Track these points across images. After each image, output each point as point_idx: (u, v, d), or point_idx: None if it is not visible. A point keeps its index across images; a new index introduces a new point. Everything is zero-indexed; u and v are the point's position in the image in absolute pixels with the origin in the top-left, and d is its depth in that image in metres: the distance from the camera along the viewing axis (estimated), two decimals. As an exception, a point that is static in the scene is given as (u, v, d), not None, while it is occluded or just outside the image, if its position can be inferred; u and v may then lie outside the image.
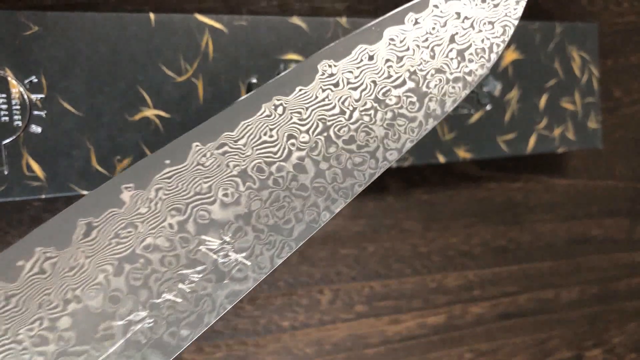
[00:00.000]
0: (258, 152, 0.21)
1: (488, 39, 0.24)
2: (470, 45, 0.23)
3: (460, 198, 0.44)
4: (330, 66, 0.22)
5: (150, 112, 0.30)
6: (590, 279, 0.50)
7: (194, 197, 0.20)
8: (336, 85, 0.22)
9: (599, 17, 0.47)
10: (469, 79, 0.23)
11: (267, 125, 0.21)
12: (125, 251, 0.19)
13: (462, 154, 0.37)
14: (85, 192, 0.29)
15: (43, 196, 0.28)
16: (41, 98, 0.28)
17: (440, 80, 0.23)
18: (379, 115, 0.22)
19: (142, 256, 0.19)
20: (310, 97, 0.22)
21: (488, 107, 0.38)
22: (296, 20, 0.33)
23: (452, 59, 0.23)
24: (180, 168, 0.20)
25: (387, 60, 0.23)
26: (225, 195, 0.20)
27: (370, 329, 0.42)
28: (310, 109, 0.22)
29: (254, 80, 0.32)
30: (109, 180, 0.20)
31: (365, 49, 0.22)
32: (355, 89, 0.22)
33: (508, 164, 0.46)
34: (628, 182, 0.51)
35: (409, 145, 0.22)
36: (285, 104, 0.21)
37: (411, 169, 0.42)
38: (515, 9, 0.24)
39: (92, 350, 0.19)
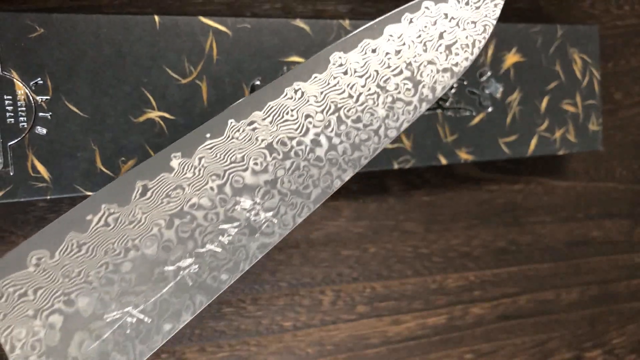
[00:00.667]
0: (282, 128, 0.25)
1: (471, 36, 0.28)
2: (456, 41, 0.27)
3: (461, 200, 0.44)
4: (340, 57, 0.26)
5: (154, 114, 0.30)
6: (590, 281, 0.50)
7: (230, 165, 0.24)
8: (345, 73, 0.26)
9: (600, 20, 0.48)
10: (455, 69, 0.27)
11: (288, 106, 0.25)
12: (175, 208, 0.24)
13: (464, 155, 0.38)
14: (89, 193, 0.29)
15: (48, 197, 0.28)
16: (46, 100, 0.28)
17: (431, 70, 0.27)
18: (381, 99, 0.26)
19: (189, 213, 0.24)
20: (324, 83, 0.26)
21: (489, 109, 0.38)
22: (299, 22, 0.33)
23: (441, 52, 0.27)
24: (218, 141, 0.24)
25: (387, 53, 0.26)
26: (256, 164, 0.25)
27: (372, 329, 0.43)
28: (324, 93, 0.26)
29: (258, 82, 0.32)
30: (152, 156, 0.24)
31: (369, 43, 0.26)
32: (361, 76, 0.26)
33: (509, 166, 0.46)
34: (628, 184, 0.51)
35: (405, 125, 0.27)
36: (304, 89, 0.26)
37: (412, 170, 0.42)
38: (493, 11, 0.28)
39: (148, 291, 0.23)
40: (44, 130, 0.28)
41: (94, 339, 0.22)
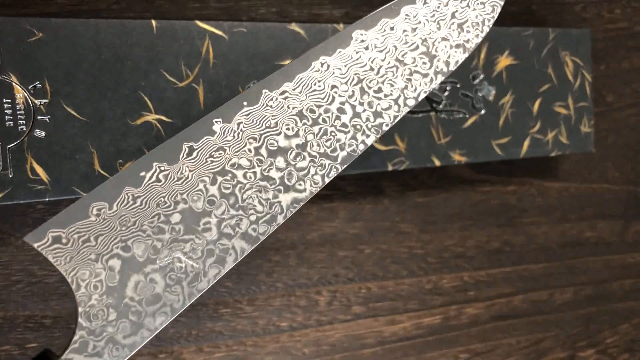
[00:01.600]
0: (310, 97, 0.28)
1: (481, 15, 0.30)
2: (467, 20, 0.30)
3: (456, 201, 0.45)
4: (361, 34, 0.28)
5: (152, 117, 0.30)
6: (584, 281, 0.51)
7: (265, 129, 0.27)
8: (367, 48, 0.28)
9: (591, 23, 0.48)
10: (467, 45, 0.30)
11: (316, 78, 0.28)
12: (218, 167, 0.26)
13: (457, 157, 0.38)
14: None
15: (47, 199, 0.29)
16: (45, 103, 0.28)
17: (445, 46, 0.29)
18: (400, 71, 0.29)
19: (230, 172, 0.27)
20: (348, 58, 0.28)
21: (482, 112, 0.39)
22: (295, 27, 0.33)
23: (453, 30, 0.29)
24: (254, 108, 0.27)
25: (404, 31, 0.29)
26: (288, 129, 0.27)
27: (367, 329, 0.43)
28: (347, 66, 0.28)
29: (254, 86, 0.32)
30: (201, 118, 0.27)
31: (388, 21, 0.29)
32: (381, 51, 0.29)
33: (502, 168, 0.46)
34: (620, 185, 0.52)
35: (423, 95, 0.29)
36: (329, 62, 0.28)
37: (407, 172, 0.43)
38: None
39: (195, 239, 0.26)
40: (43, 133, 0.28)
41: (148, 281, 0.25)
